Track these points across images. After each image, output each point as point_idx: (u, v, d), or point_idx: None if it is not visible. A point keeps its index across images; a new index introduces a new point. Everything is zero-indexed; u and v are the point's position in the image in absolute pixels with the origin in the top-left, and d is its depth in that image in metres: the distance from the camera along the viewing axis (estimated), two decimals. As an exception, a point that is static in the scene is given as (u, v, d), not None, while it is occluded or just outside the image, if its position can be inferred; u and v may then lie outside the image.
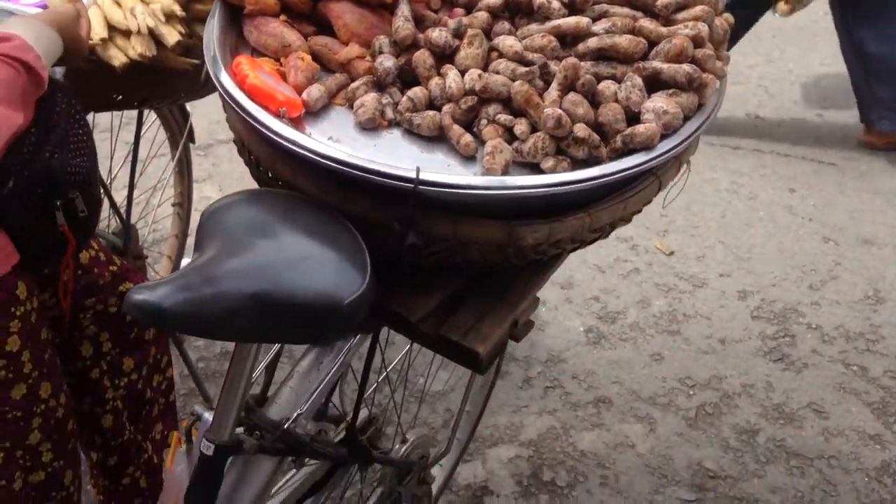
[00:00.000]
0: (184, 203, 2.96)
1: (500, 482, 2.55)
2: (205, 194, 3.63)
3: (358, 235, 1.27)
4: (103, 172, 2.27)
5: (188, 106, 2.59)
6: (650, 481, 2.52)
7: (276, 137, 1.27)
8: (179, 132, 2.69)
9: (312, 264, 1.21)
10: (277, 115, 1.31)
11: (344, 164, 1.23)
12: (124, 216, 2.53)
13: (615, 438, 2.66)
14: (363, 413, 1.84)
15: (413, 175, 1.21)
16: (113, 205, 2.49)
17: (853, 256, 3.32)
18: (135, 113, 2.39)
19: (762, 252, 3.39)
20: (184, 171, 2.93)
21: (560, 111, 1.29)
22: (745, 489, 2.47)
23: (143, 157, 2.67)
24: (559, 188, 1.24)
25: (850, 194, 3.70)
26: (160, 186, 2.90)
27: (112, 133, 2.65)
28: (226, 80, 1.34)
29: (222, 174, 3.81)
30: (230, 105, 1.33)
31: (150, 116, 2.67)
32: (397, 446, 1.97)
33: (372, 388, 2.19)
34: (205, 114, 4.00)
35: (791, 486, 2.48)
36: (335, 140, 1.35)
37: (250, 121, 1.29)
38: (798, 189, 3.75)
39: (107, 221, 2.69)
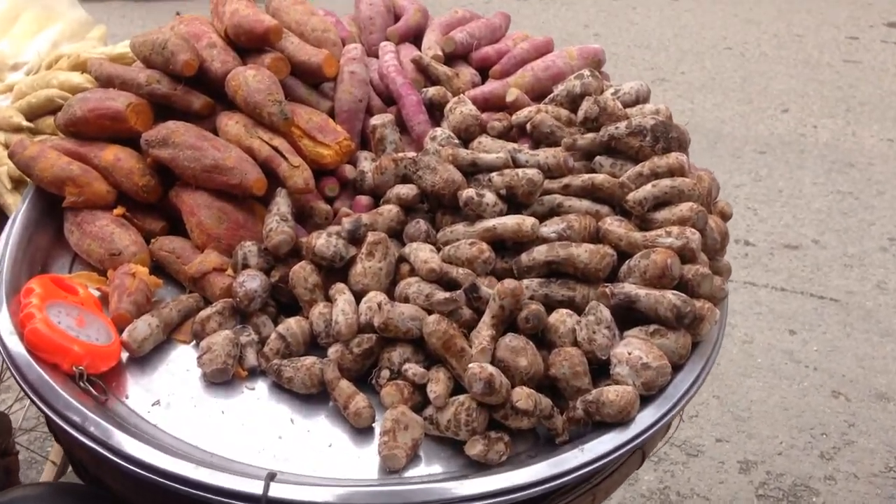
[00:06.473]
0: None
1: None
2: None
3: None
4: None
5: None
6: None
7: (56, 418, 0.84)
8: None
9: None
10: (72, 375, 0.89)
11: (151, 471, 0.79)
12: None
13: None
14: None
15: (260, 490, 0.78)
16: None
17: (867, 415, 2.89)
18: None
19: (763, 410, 2.95)
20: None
21: (492, 370, 0.87)
22: None
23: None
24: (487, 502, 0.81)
25: (858, 337, 3.29)
26: None
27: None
28: (1, 319, 0.91)
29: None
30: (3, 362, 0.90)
31: None
32: None
33: None
34: None
35: None
36: (162, 406, 0.92)
37: (28, 392, 0.86)
38: (799, 331, 3.35)
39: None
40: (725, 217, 1.10)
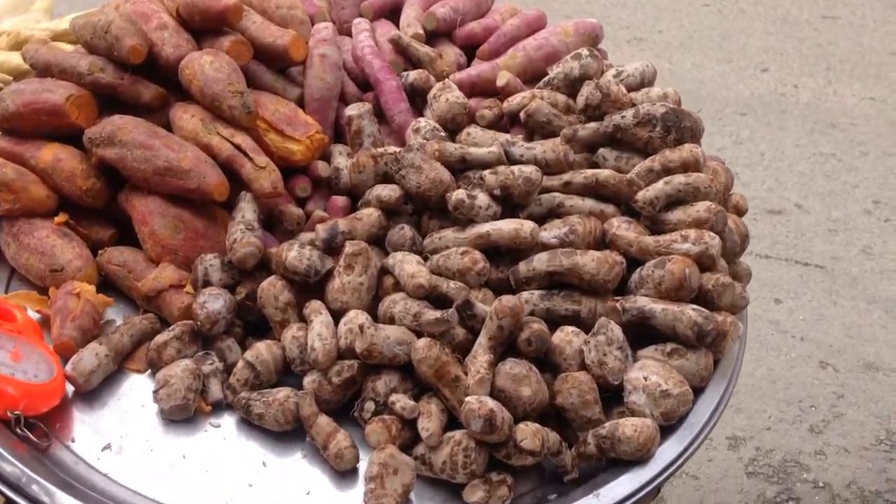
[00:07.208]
0: None
1: None
2: None
3: None
4: None
5: None
6: None
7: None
8: None
9: None
10: (7, 421, 0.77)
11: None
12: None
13: None
14: None
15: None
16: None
17: (856, 386, 2.84)
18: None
19: (751, 383, 2.89)
20: None
21: (492, 405, 0.76)
22: None
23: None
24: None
25: (844, 304, 3.23)
26: None
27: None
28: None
29: None
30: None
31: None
32: None
33: None
34: None
35: None
36: (114, 450, 0.80)
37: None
38: (784, 299, 3.28)
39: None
40: (741, 212, 0.99)
